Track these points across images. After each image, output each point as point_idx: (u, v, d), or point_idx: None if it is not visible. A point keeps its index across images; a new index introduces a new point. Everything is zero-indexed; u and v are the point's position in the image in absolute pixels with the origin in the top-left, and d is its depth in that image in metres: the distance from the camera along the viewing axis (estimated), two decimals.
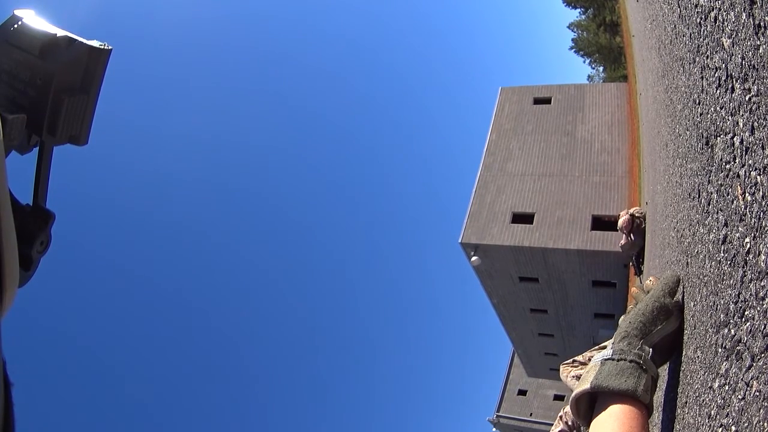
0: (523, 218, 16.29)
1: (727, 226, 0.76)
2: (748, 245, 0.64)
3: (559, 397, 28.77)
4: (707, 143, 0.95)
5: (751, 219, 0.63)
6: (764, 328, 0.56)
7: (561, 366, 1.83)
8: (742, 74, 0.70)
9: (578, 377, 1.69)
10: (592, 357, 0.98)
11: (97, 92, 0.49)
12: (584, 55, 36.27)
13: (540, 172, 17.15)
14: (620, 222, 7.82)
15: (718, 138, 0.85)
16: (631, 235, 7.64)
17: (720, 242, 0.79)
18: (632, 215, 7.64)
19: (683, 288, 1.06)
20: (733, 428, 0.63)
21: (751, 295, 0.61)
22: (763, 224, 0.58)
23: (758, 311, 0.58)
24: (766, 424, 0.51)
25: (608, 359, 0.85)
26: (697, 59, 1.13)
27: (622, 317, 0.96)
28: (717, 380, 0.72)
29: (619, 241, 8.15)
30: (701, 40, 1.07)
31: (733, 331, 0.67)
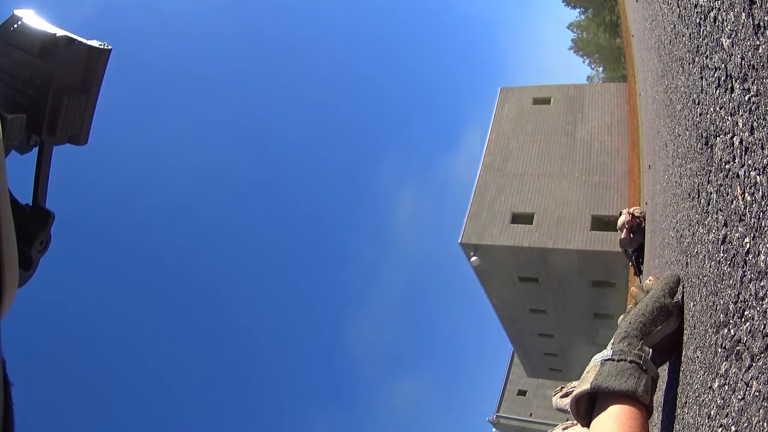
0: (522, 218, 16.30)
1: (726, 226, 0.76)
2: (748, 245, 0.64)
3: None
4: (707, 143, 0.95)
5: (750, 219, 0.63)
6: (764, 328, 0.56)
7: (552, 398, 1.86)
8: (742, 74, 0.70)
9: (567, 395, 1.70)
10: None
11: (97, 92, 0.48)
12: (584, 55, 36.31)
13: (540, 172, 17.16)
14: (620, 220, 7.84)
15: (718, 138, 0.85)
16: (631, 233, 7.65)
17: (719, 242, 0.79)
18: (632, 214, 7.65)
19: (683, 288, 1.06)
20: (733, 428, 0.63)
21: (750, 295, 0.61)
22: (763, 224, 0.58)
23: (758, 311, 0.58)
24: (766, 424, 0.51)
25: (608, 359, 0.85)
26: (697, 59, 1.13)
27: (622, 317, 0.95)
28: (717, 380, 0.72)
29: (619, 239, 8.16)
30: (701, 40, 1.07)
31: (732, 331, 0.67)
